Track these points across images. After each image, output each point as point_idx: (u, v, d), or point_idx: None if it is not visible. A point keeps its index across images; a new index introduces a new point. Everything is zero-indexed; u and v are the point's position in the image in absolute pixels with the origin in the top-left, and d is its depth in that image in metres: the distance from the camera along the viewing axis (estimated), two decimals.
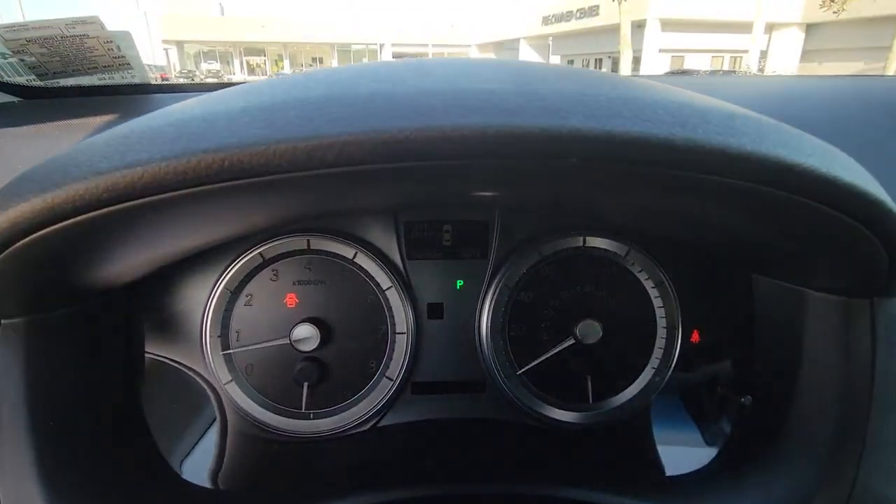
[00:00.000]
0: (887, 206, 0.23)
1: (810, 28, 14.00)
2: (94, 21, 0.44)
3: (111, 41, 0.46)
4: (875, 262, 0.26)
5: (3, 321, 0.28)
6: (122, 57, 0.48)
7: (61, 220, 0.22)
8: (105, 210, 0.22)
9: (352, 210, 0.38)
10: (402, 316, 0.40)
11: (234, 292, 0.39)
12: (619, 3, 10.19)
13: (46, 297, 0.29)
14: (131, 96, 0.49)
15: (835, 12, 10.50)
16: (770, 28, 13.73)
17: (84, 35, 0.45)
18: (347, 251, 0.39)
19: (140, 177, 0.21)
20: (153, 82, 0.55)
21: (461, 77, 0.25)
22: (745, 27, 12.32)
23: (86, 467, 0.29)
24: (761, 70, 12.86)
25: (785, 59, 13.76)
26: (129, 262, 0.31)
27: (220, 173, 0.20)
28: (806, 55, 14.11)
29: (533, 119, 0.20)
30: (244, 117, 0.21)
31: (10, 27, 0.43)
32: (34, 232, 0.22)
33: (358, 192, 0.27)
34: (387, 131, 0.20)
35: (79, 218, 0.22)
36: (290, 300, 0.40)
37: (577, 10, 15.79)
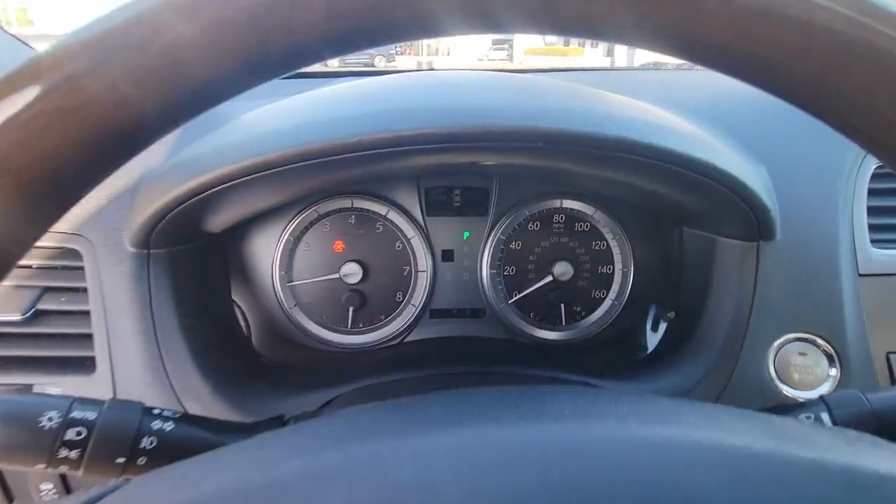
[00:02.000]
0: (740, 180, 0.36)
1: None
2: None
3: None
4: (750, 215, 0.39)
5: (152, 251, 0.39)
6: None
7: (217, 186, 0.34)
8: (243, 179, 0.34)
9: (391, 177, 0.51)
10: (422, 259, 0.53)
11: (296, 240, 0.51)
12: None
13: (179, 236, 0.40)
14: None
15: None
16: None
17: None
18: (382, 209, 0.51)
19: (280, 158, 0.33)
20: None
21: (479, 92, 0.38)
22: None
23: (218, 354, 0.41)
24: None
25: None
26: (233, 214, 0.43)
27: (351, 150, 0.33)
28: None
29: (521, 121, 0.33)
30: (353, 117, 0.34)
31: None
32: (199, 195, 0.34)
33: (421, 159, 0.39)
34: (443, 129, 0.33)
35: (226, 185, 0.34)
36: (338, 246, 0.52)
37: None
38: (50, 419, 0.24)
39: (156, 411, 0.27)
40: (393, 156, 0.35)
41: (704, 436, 0.15)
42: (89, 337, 0.38)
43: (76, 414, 0.25)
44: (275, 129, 0.36)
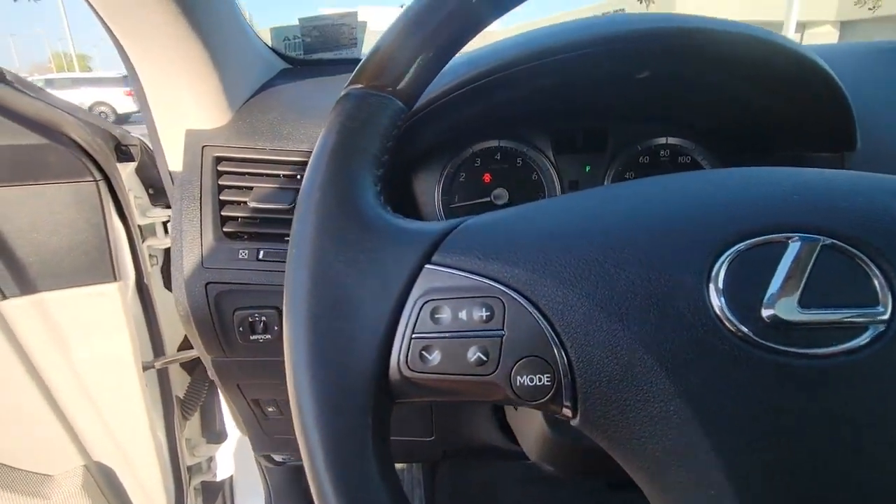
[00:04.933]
0: (834, 78, 0.48)
1: (844, 26, 14.04)
2: (353, 14, 0.71)
3: (354, 28, 0.73)
4: (838, 119, 0.50)
5: None
6: (354, 39, 0.75)
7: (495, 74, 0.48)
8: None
9: (537, 119, 0.64)
10: (553, 187, 0.65)
11: (455, 173, 0.65)
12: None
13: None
14: (348, 68, 0.75)
15: (870, 8, 10.29)
16: (802, 27, 13.79)
17: (342, 24, 0.71)
18: (522, 147, 0.65)
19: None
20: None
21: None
22: (775, 27, 12.47)
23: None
24: None
25: None
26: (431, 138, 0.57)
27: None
28: None
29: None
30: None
31: (310, 18, 0.69)
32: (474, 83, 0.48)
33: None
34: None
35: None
36: (487, 178, 0.65)
37: None
38: None
39: None
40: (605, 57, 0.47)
41: None
42: None
43: None
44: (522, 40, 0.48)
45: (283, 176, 0.54)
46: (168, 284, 0.92)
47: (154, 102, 0.54)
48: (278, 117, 0.56)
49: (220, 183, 0.53)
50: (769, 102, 0.53)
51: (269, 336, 0.52)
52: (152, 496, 0.81)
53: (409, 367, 0.26)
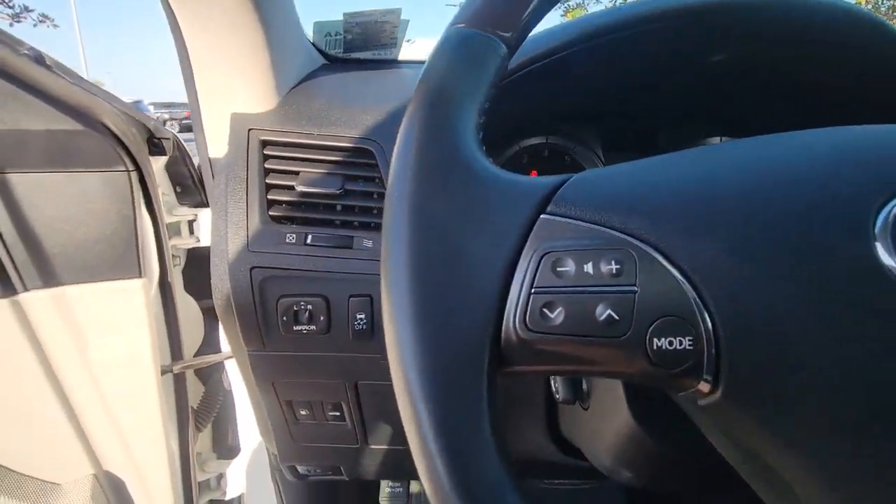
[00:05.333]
0: None
1: None
2: (397, 11, 0.70)
3: (396, 26, 0.72)
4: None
5: None
6: (394, 38, 0.74)
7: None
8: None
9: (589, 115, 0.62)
10: None
11: (502, 167, 0.62)
12: None
13: None
14: (386, 67, 0.75)
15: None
16: None
17: (385, 21, 0.71)
18: (570, 144, 0.63)
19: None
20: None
21: None
22: None
23: None
24: None
25: None
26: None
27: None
28: None
29: None
30: None
31: (354, 14, 0.69)
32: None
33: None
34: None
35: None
36: (534, 174, 0.63)
37: None
38: None
39: None
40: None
41: None
42: None
43: None
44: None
45: (332, 162, 0.52)
46: (189, 287, 0.89)
47: (202, 84, 0.52)
48: (325, 104, 0.55)
49: (265, 166, 0.51)
50: (847, 98, 0.51)
51: (313, 327, 0.49)
52: None
53: (527, 327, 0.23)
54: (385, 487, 0.80)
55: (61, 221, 0.62)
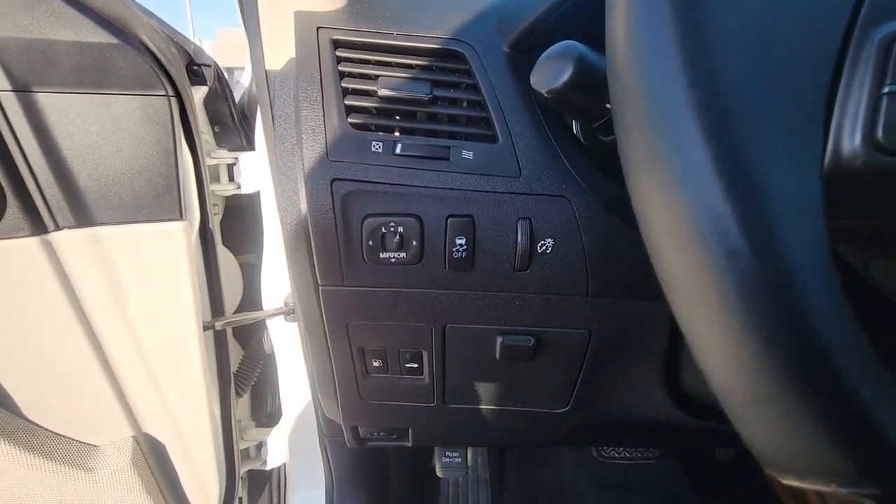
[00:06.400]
0: None
1: None
2: None
3: None
4: None
5: (524, 55, 0.43)
6: None
7: None
8: None
9: None
10: None
11: None
12: None
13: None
14: None
15: None
16: None
17: None
18: None
19: None
20: None
21: None
22: None
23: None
24: None
25: None
26: None
27: None
28: None
29: None
30: None
31: None
32: None
33: None
34: None
35: None
36: None
37: None
38: None
39: None
40: None
41: None
42: (485, 119, 0.42)
43: None
44: None
45: (416, 66, 0.44)
46: (226, 240, 0.82)
47: None
48: (400, 2, 0.46)
49: (339, 69, 0.43)
50: None
51: (403, 254, 0.41)
52: (204, 480, 0.70)
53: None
54: (441, 457, 0.73)
55: (94, 150, 0.54)
